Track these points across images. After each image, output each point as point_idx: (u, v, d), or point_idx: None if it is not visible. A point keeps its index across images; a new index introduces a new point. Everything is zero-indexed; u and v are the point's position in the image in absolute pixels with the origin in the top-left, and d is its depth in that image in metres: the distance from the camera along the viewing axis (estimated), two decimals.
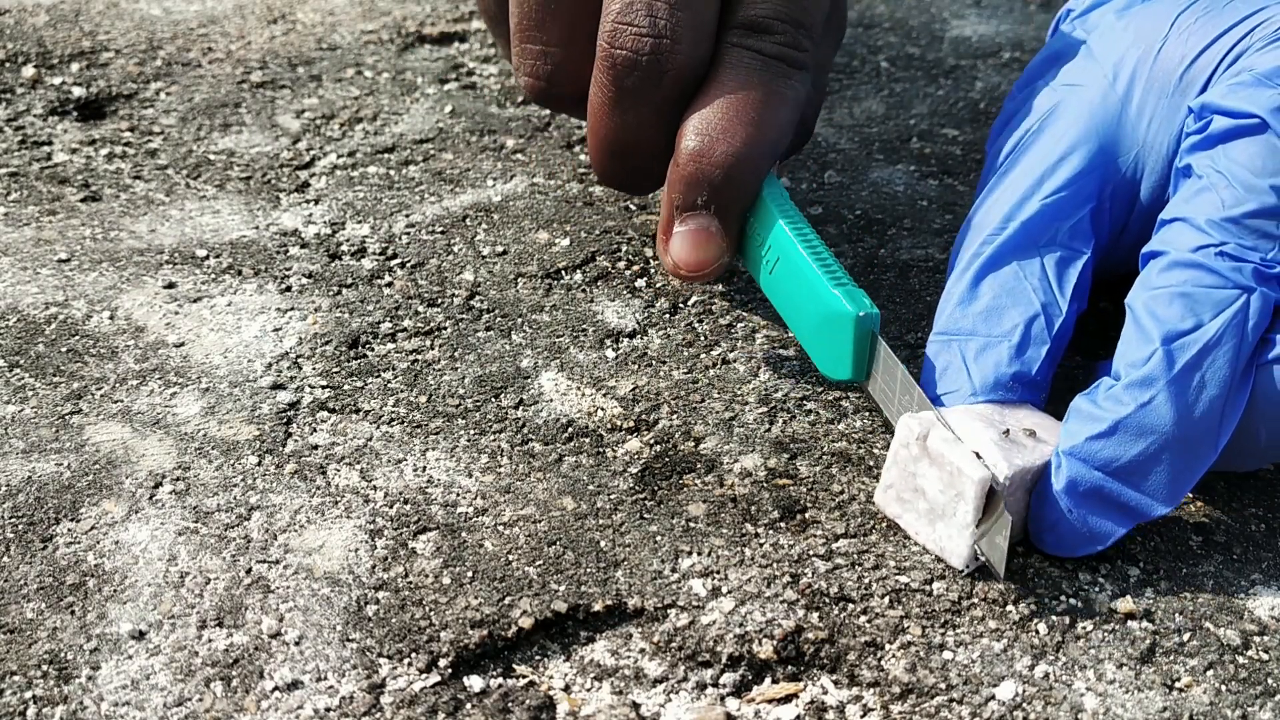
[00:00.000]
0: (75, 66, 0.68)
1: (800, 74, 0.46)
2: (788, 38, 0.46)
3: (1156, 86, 0.46)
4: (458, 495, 0.43)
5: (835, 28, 0.53)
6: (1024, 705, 0.37)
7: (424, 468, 0.44)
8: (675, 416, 0.46)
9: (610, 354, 0.49)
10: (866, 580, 0.40)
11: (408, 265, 0.54)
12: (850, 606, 0.39)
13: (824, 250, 0.45)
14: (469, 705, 0.36)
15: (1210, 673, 0.38)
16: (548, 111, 0.66)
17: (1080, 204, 0.45)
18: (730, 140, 0.45)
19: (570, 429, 0.46)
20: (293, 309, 0.51)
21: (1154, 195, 0.46)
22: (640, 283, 0.53)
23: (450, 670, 0.37)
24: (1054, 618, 0.39)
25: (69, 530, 0.41)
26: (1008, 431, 0.41)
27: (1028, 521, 0.41)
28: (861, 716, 0.37)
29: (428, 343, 0.50)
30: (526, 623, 0.38)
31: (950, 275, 0.45)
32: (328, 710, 0.36)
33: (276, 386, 0.47)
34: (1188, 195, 0.42)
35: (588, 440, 0.45)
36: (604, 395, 0.47)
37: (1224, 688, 0.37)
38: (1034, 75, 0.50)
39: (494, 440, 0.45)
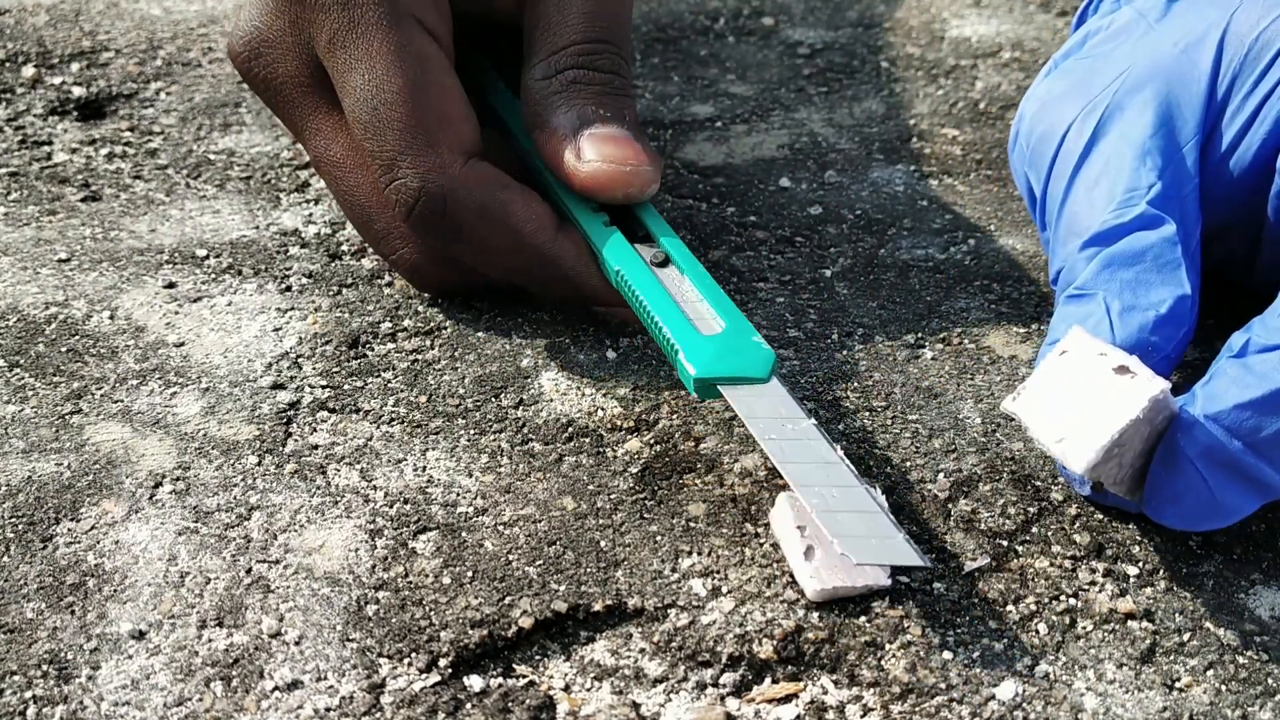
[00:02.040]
0: (75, 66, 0.68)
1: None
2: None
3: (1230, 50, 0.45)
4: (458, 495, 0.43)
5: None
6: (1024, 705, 0.37)
7: (424, 467, 0.44)
8: (675, 416, 0.46)
9: (610, 354, 0.49)
10: None
11: None
12: (850, 606, 0.39)
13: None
14: (469, 705, 0.36)
15: (1210, 673, 0.38)
16: None
17: (1187, 180, 0.44)
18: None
19: (570, 429, 0.46)
20: (293, 309, 0.51)
21: (1227, 160, 0.45)
22: None
23: (450, 670, 0.37)
24: (1054, 618, 0.39)
25: (69, 530, 0.41)
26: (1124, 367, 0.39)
27: (1144, 488, 0.39)
28: (861, 716, 0.37)
29: (428, 342, 0.50)
30: (526, 623, 0.38)
31: (1064, 242, 0.44)
32: (328, 710, 0.36)
33: (276, 386, 0.47)
34: None
35: (588, 440, 0.45)
36: (604, 395, 0.47)
37: (1224, 688, 0.37)
38: (1079, 48, 0.48)
39: (494, 440, 0.45)
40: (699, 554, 0.41)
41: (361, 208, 0.49)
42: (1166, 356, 0.41)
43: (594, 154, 0.48)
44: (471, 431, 0.46)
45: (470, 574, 0.40)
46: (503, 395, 0.47)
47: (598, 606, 0.39)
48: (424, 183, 0.46)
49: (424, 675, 0.37)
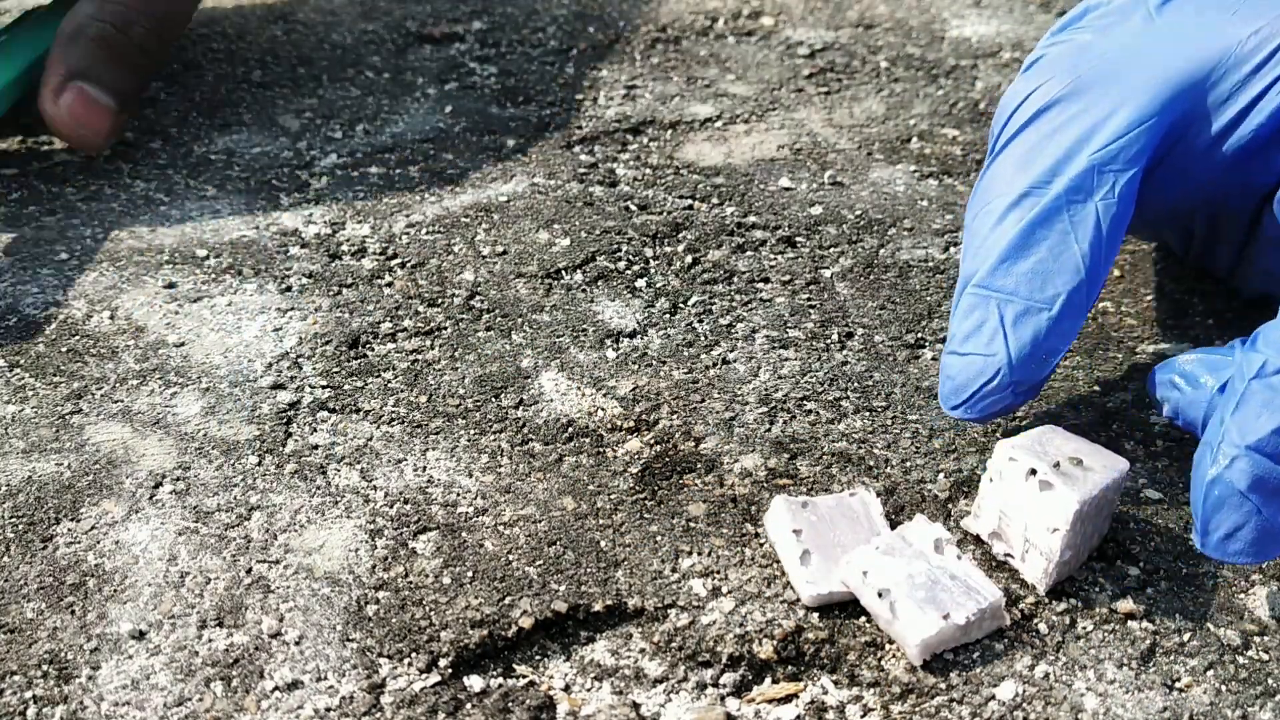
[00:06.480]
0: None
1: None
2: None
3: (1224, 46, 0.43)
4: (458, 495, 0.43)
5: None
6: (1024, 705, 0.37)
7: (424, 468, 0.44)
8: (675, 416, 0.46)
9: (610, 354, 0.49)
10: None
11: (408, 265, 0.54)
12: (850, 607, 0.39)
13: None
14: (469, 705, 0.36)
15: (1210, 673, 0.38)
16: (548, 111, 0.66)
17: (1132, 162, 0.42)
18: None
19: (570, 429, 0.46)
20: (293, 309, 0.51)
21: (1216, 146, 0.44)
22: (640, 283, 0.53)
23: (450, 670, 0.37)
24: (1054, 618, 0.39)
25: (69, 530, 0.41)
26: (1058, 464, 0.39)
27: (1192, 534, 0.39)
28: (861, 716, 0.37)
29: (428, 343, 0.50)
30: (526, 623, 0.38)
31: (982, 216, 0.43)
32: (328, 710, 0.36)
33: (277, 386, 0.47)
34: None
35: (588, 440, 0.45)
36: (604, 395, 0.47)
37: (1224, 688, 0.37)
38: (1078, 19, 0.47)
39: (494, 440, 0.45)
40: (699, 554, 0.41)
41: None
42: (1059, 355, 0.41)
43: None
44: (471, 431, 0.46)
45: (470, 574, 0.40)
46: (503, 395, 0.47)
47: (598, 606, 0.39)
48: None
49: (424, 675, 0.37)
